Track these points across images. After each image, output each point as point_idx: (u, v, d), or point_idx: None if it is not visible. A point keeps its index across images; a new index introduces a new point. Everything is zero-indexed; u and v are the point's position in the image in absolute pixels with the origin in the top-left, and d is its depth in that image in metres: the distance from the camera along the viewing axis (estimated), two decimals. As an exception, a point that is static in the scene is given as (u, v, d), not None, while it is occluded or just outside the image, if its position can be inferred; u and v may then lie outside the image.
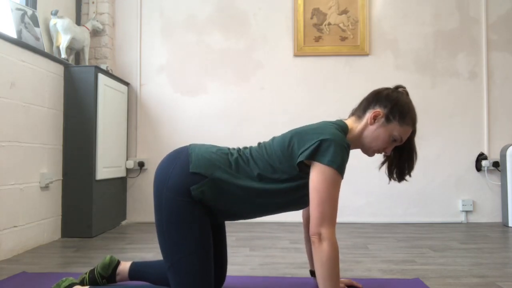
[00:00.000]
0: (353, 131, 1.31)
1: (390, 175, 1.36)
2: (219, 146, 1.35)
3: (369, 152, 1.34)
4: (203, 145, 1.35)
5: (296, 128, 1.30)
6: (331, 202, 1.14)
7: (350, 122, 1.33)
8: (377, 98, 1.30)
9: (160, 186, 1.23)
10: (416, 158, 1.33)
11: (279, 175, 1.23)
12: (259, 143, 1.35)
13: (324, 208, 1.13)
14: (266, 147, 1.30)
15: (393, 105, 1.27)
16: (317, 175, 1.15)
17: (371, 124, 1.27)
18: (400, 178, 1.35)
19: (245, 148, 1.34)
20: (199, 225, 1.20)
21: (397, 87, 1.36)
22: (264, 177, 1.23)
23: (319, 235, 1.12)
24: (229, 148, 1.34)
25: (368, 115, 1.28)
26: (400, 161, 1.34)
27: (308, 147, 1.18)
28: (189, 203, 1.20)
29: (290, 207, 1.30)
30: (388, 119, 1.26)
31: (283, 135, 1.30)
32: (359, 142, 1.32)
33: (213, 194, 1.22)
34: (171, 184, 1.21)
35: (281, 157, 1.23)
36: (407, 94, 1.35)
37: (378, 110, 1.27)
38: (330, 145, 1.16)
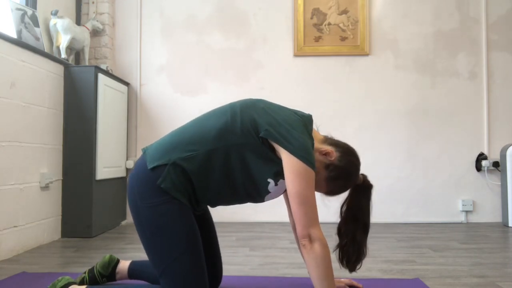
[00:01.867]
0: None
1: (340, 262, 1.34)
2: (174, 130, 1.31)
3: None
4: (157, 141, 1.32)
5: (263, 101, 1.28)
6: (310, 201, 1.13)
7: (316, 135, 1.32)
8: (345, 152, 1.29)
9: (132, 200, 1.21)
10: (362, 253, 1.33)
11: (237, 139, 1.19)
12: (198, 117, 1.30)
13: (306, 209, 1.12)
14: (229, 109, 1.24)
15: (341, 167, 1.26)
16: (292, 172, 1.13)
17: (321, 154, 1.26)
18: (349, 268, 1.34)
19: (197, 118, 1.30)
20: (183, 224, 1.17)
21: (362, 174, 1.36)
22: (219, 139, 1.19)
23: (309, 237, 1.12)
24: (183, 125, 1.30)
25: (328, 148, 1.27)
26: (349, 250, 1.32)
27: (276, 130, 1.16)
28: (166, 204, 1.17)
29: (254, 185, 1.23)
30: (328, 166, 1.26)
31: (248, 101, 1.27)
32: None
33: (181, 178, 1.18)
34: (141, 193, 1.19)
35: (245, 120, 1.19)
36: (365, 185, 1.36)
37: (335, 155, 1.26)
38: (300, 141, 1.15)
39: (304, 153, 1.14)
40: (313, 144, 1.23)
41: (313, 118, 1.34)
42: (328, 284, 1.11)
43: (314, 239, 1.11)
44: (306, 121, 1.26)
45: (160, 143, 1.25)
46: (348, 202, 1.36)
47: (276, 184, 1.22)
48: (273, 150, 1.19)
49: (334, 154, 1.26)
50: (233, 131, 1.19)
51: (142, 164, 1.23)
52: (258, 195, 1.25)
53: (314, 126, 1.35)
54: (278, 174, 1.20)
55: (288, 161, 1.14)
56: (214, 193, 1.24)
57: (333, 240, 1.38)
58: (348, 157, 1.28)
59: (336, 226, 1.36)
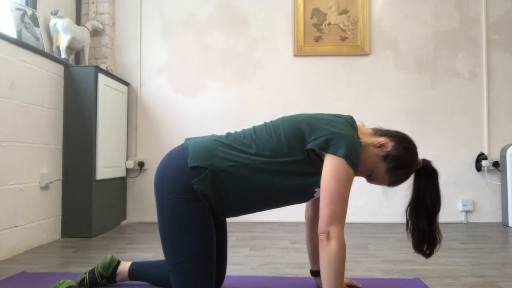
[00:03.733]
0: (361, 138, 1.29)
1: (419, 252, 1.31)
2: (215, 136, 1.30)
3: None
4: (199, 137, 1.32)
5: (310, 113, 1.28)
6: (342, 200, 1.12)
7: (363, 131, 1.31)
8: (399, 139, 1.28)
9: (160, 190, 1.22)
10: (436, 242, 1.28)
11: (284, 158, 1.20)
12: (254, 127, 1.31)
13: (335, 206, 1.11)
14: (273, 128, 1.26)
15: (400, 156, 1.25)
16: (330, 170, 1.13)
17: (375, 146, 1.26)
18: (426, 255, 1.30)
19: (245, 130, 1.30)
20: (202, 225, 1.19)
21: (424, 159, 1.33)
22: (269, 160, 1.20)
23: (328, 234, 1.10)
24: (228, 135, 1.29)
25: (381, 139, 1.27)
26: (420, 237, 1.29)
27: (320, 136, 1.16)
28: (191, 202, 1.18)
29: (292, 198, 1.26)
30: (385, 157, 1.25)
31: (295, 116, 1.26)
32: None
33: (215, 185, 1.19)
34: (170, 185, 1.20)
35: (290, 138, 1.21)
36: (428, 170, 1.31)
37: (390, 144, 1.25)
38: (345, 139, 1.15)
39: (349, 152, 1.13)
40: (360, 143, 1.20)
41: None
42: (335, 283, 1.10)
43: (332, 237, 1.10)
44: (349, 120, 1.26)
45: (205, 143, 1.25)
46: (413, 187, 1.31)
47: None
48: (322, 160, 1.19)
49: (390, 144, 1.25)
50: (280, 151, 1.21)
51: (182, 158, 1.22)
52: (303, 200, 1.29)
53: (359, 122, 1.34)
54: None
55: (330, 160, 1.14)
56: (251, 203, 1.25)
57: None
58: (404, 144, 1.27)
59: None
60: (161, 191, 1.22)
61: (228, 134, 1.30)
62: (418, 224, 1.28)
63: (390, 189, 1.35)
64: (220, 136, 1.29)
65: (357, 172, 1.25)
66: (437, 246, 1.29)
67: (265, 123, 1.31)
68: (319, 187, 1.22)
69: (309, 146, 1.18)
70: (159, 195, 1.22)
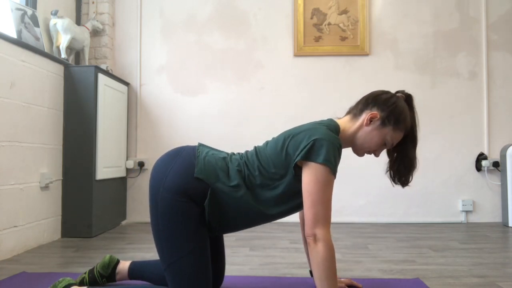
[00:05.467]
0: (346, 131, 1.30)
1: (393, 181, 1.36)
2: (224, 153, 1.32)
3: (360, 152, 1.34)
4: (211, 149, 1.33)
5: (287, 131, 1.29)
6: (324, 202, 1.13)
7: (344, 121, 1.33)
8: (375, 100, 1.29)
9: (156, 186, 1.21)
10: (414, 166, 1.32)
11: (274, 182, 1.23)
12: (255, 147, 1.34)
13: (317, 209, 1.12)
14: (259, 153, 1.28)
15: (391, 110, 1.26)
16: (309, 175, 1.14)
17: (366, 125, 1.27)
18: (402, 183, 1.34)
19: (243, 156, 1.32)
20: (196, 224, 1.19)
21: (396, 92, 1.35)
22: (261, 186, 1.23)
23: (314, 236, 1.12)
24: (231, 157, 1.31)
25: (364, 116, 1.28)
26: (400, 167, 1.33)
27: (303, 148, 1.17)
28: (186, 203, 1.18)
29: (289, 213, 1.29)
30: (383, 123, 1.26)
31: (276, 139, 1.29)
32: (351, 142, 1.32)
33: (215, 205, 1.21)
34: (169, 183, 1.20)
35: (276, 161, 1.23)
36: (407, 98, 1.33)
37: (375, 112, 1.27)
38: (323, 144, 1.15)
39: (325, 155, 1.14)
40: (339, 144, 1.20)
41: (313, 118, 1.35)
42: (327, 284, 1.11)
43: (319, 239, 1.11)
44: (324, 123, 1.27)
45: (213, 158, 1.26)
46: None
47: None
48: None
49: (375, 113, 1.27)
50: (270, 176, 1.23)
51: (189, 163, 1.23)
52: (296, 212, 1.31)
53: (333, 116, 1.35)
54: None
55: (309, 166, 1.15)
56: (245, 222, 1.27)
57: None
58: (382, 99, 1.28)
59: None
60: (156, 186, 1.21)
61: (231, 156, 1.31)
62: (407, 152, 1.30)
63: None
64: (227, 157, 1.30)
65: (375, 152, 1.30)
66: (412, 172, 1.32)
67: (255, 149, 1.32)
68: None
69: (295, 160, 1.18)
70: (154, 189, 1.21)
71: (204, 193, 1.20)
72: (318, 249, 1.11)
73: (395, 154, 1.34)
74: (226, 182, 1.22)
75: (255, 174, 1.24)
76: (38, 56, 2.36)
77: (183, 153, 1.27)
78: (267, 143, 1.32)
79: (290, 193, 1.23)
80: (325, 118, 1.34)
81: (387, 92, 1.32)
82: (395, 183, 1.35)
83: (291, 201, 1.24)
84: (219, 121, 3.19)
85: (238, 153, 1.34)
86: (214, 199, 1.21)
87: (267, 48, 3.21)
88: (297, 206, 1.27)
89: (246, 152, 1.33)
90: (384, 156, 1.41)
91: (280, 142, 1.25)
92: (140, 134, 3.22)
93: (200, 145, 1.33)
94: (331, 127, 1.26)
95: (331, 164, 1.14)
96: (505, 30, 3.16)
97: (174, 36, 3.24)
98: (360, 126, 1.29)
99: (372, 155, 1.35)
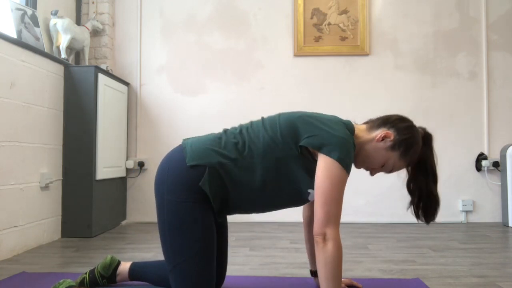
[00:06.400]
0: (359, 138, 1.29)
1: (418, 218, 1.35)
2: (216, 133, 1.31)
3: (359, 164, 1.33)
4: (197, 136, 1.32)
5: (307, 112, 1.28)
6: (336, 201, 1.12)
7: (360, 129, 1.32)
8: (396, 123, 1.28)
9: (160, 191, 1.22)
10: (439, 202, 1.31)
11: (277, 154, 1.20)
12: (262, 117, 1.31)
13: (330, 208, 1.11)
14: (269, 123, 1.26)
15: (406, 138, 1.25)
16: (323, 171, 1.13)
17: (378, 141, 1.26)
18: (427, 220, 1.34)
19: (242, 125, 1.30)
20: (202, 226, 1.18)
21: (419, 127, 1.33)
22: (262, 156, 1.20)
23: (324, 235, 1.10)
24: (226, 131, 1.29)
25: (380, 132, 1.27)
26: (427, 205, 1.32)
27: (315, 135, 1.16)
28: (192, 203, 1.18)
29: (286, 198, 1.26)
30: (393, 146, 1.25)
31: (292, 113, 1.27)
32: (357, 151, 1.30)
33: (216, 184, 1.19)
34: (171, 185, 1.20)
35: (285, 134, 1.20)
36: (426, 135, 1.32)
37: (391, 133, 1.25)
38: (339, 140, 1.15)
39: (341, 153, 1.13)
40: (354, 145, 1.20)
41: None
42: (333, 284, 1.10)
43: (329, 239, 1.10)
44: (346, 122, 1.26)
45: (202, 142, 1.25)
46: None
47: None
48: (314, 158, 1.19)
49: (391, 133, 1.25)
50: (274, 145, 1.20)
51: (180, 159, 1.22)
52: (298, 203, 1.29)
53: (352, 121, 1.34)
54: None
55: (323, 160, 1.14)
56: (249, 202, 1.25)
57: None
58: (402, 125, 1.27)
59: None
60: (161, 192, 1.21)
61: (226, 130, 1.30)
62: (429, 189, 1.29)
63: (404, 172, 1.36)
64: (217, 134, 1.29)
65: (373, 170, 1.29)
66: (438, 209, 1.31)
67: (263, 118, 1.31)
68: (311, 188, 1.22)
69: (302, 143, 1.18)
70: (160, 196, 1.22)
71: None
72: (327, 249, 1.10)
73: (417, 192, 1.32)
74: (221, 156, 1.20)
75: (257, 142, 1.22)
76: (38, 56, 2.36)
77: (172, 154, 1.27)
78: (280, 114, 1.29)
79: (290, 168, 1.20)
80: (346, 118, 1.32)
81: (410, 121, 1.31)
82: (420, 220, 1.34)
83: (289, 176, 1.21)
84: (219, 121, 3.19)
85: (235, 127, 1.31)
86: (213, 176, 1.18)
87: (267, 48, 3.21)
88: (295, 189, 1.23)
89: (251, 121, 1.31)
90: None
91: (293, 117, 1.23)
92: (140, 134, 3.22)
93: (184, 139, 1.32)
94: (350, 128, 1.26)
95: (346, 163, 1.14)
96: (505, 30, 3.16)
97: (174, 36, 3.24)
98: (372, 140, 1.27)
99: (368, 172, 1.34)
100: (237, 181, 1.20)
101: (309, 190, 1.23)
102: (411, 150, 1.26)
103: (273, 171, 1.21)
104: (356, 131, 1.29)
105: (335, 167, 1.12)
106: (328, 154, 1.13)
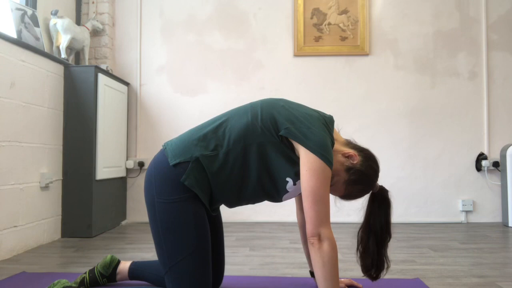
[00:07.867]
0: (335, 143, 1.30)
1: (362, 271, 1.33)
2: (193, 127, 1.30)
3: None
4: (178, 136, 1.32)
5: (290, 102, 1.28)
6: (325, 200, 1.13)
7: (338, 137, 1.33)
8: (368, 158, 1.28)
9: (150, 195, 1.22)
10: (384, 266, 1.30)
11: (256, 139, 1.20)
12: (245, 104, 1.32)
13: (319, 207, 1.12)
14: (250, 109, 1.26)
15: (364, 172, 1.26)
16: (308, 169, 1.13)
17: (343, 155, 1.26)
18: (371, 278, 1.32)
19: (222, 114, 1.30)
20: (195, 224, 1.19)
21: (380, 185, 1.34)
22: (242, 142, 1.20)
23: (319, 236, 1.11)
24: (203, 122, 1.30)
25: (352, 151, 1.27)
26: (373, 264, 1.30)
27: (294, 127, 1.17)
28: (182, 202, 1.18)
29: (271, 187, 1.24)
30: (349, 169, 1.25)
31: (275, 100, 1.27)
32: None
33: (201, 175, 1.19)
34: (159, 188, 1.20)
35: (266, 120, 1.20)
36: (381, 189, 1.33)
37: (358, 159, 1.26)
38: (317, 137, 1.15)
39: (323, 150, 1.14)
40: (333, 143, 1.22)
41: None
42: (332, 284, 1.10)
43: (324, 239, 1.11)
44: (327, 120, 1.27)
45: (181, 139, 1.26)
46: (365, 211, 1.35)
47: (294, 184, 1.22)
48: (293, 150, 1.19)
49: (357, 158, 1.26)
50: (254, 130, 1.21)
51: (163, 160, 1.23)
52: (277, 194, 1.26)
53: (336, 128, 1.36)
54: (297, 174, 1.20)
55: (306, 158, 1.14)
56: (232, 193, 1.24)
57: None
58: (370, 162, 1.28)
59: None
60: (151, 196, 1.22)
61: (204, 123, 1.30)
62: (368, 247, 1.30)
63: (339, 201, 1.36)
64: (195, 127, 1.30)
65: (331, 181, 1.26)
66: (384, 271, 1.31)
67: (245, 104, 1.31)
68: (290, 177, 1.21)
69: (282, 133, 1.18)
70: (149, 200, 1.22)
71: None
72: (324, 249, 1.10)
73: (361, 242, 1.32)
74: (201, 147, 1.21)
75: (237, 127, 1.22)
76: (38, 56, 2.36)
77: (156, 158, 1.27)
78: (244, 105, 1.30)
79: (268, 154, 1.20)
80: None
81: (378, 169, 1.31)
82: (363, 273, 1.33)
83: (268, 162, 1.20)
84: (219, 121, 3.18)
85: (212, 118, 1.31)
86: (196, 169, 1.18)
87: (267, 48, 3.21)
88: (275, 176, 1.22)
89: (238, 107, 1.32)
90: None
91: (271, 107, 1.24)
92: (140, 134, 3.22)
93: (164, 142, 1.32)
94: (329, 123, 1.27)
95: (329, 160, 1.14)
96: (505, 30, 3.16)
97: (174, 36, 3.24)
98: (339, 151, 1.27)
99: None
100: (218, 168, 1.20)
101: (288, 179, 1.22)
102: (357, 185, 1.27)
103: (252, 156, 1.20)
104: (335, 136, 1.31)
105: (319, 164, 1.13)
106: (311, 150, 1.14)
